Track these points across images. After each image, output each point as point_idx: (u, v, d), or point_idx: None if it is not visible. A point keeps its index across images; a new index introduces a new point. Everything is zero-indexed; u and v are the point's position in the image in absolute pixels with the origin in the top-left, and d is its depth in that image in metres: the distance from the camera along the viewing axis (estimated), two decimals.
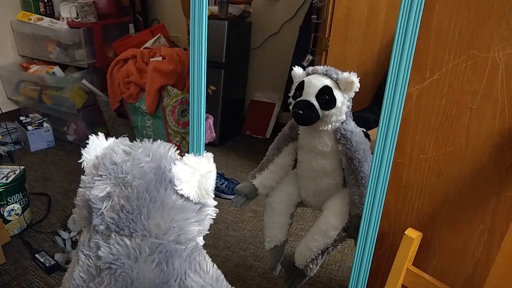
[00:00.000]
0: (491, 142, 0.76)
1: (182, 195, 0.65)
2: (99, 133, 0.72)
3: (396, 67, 0.72)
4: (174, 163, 0.66)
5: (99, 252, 0.65)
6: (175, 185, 0.65)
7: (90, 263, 0.66)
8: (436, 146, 0.82)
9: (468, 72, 0.75)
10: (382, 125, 0.75)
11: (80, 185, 0.69)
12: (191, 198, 0.66)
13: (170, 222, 0.65)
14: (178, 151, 0.72)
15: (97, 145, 0.70)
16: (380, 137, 0.76)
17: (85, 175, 0.68)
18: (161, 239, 0.65)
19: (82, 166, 0.70)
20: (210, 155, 0.70)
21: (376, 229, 0.83)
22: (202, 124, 0.88)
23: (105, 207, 0.64)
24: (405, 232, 0.84)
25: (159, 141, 0.71)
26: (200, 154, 0.88)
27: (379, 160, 0.78)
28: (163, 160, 0.67)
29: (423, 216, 0.88)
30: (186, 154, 0.69)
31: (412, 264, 0.86)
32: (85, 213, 0.67)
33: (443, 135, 0.81)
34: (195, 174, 0.66)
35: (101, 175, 0.65)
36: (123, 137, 0.73)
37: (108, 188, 0.64)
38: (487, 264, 0.80)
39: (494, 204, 0.78)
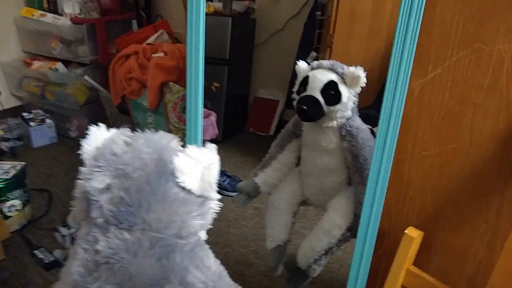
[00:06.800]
0: (496, 139, 0.74)
1: (184, 188, 0.64)
2: (99, 123, 0.70)
3: (397, 61, 0.70)
4: (176, 155, 0.65)
5: (97, 246, 0.63)
6: (177, 177, 0.63)
7: (88, 257, 0.65)
8: (439, 143, 0.81)
9: (472, 66, 0.73)
10: (383, 121, 0.74)
11: (79, 176, 0.67)
12: (193, 191, 0.64)
13: (172, 215, 0.63)
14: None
15: (98, 136, 0.69)
16: (380, 134, 0.75)
17: (84, 167, 0.67)
18: (162, 233, 0.63)
19: (82, 157, 0.68)
20: (213, 147, 0.69)
21: (376, 227, 0.81)
22: (199, 116, 0.86)
23: (104, 200, 0.62)
24: (406, 231, 0.82)
25: (161, 131, 0.70)
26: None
27: (380, 157, 0.76)
28: (164, 151, 0.65)
29: (424, 215, 0.86)
30: (188, 145, 0.67)
31: (412, 264, 0.84)
32: (83, 206, 0.66)
33: (445, 132, 0.79)
34: (198, 166, 0.64)
35: (100, 166, 0.64)
36: (124, 127, 0.71)
37: (107, 180, 0.63)
38: (490, 264, 0.79)
39: (498, 203, 0.76)
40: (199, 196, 0.65)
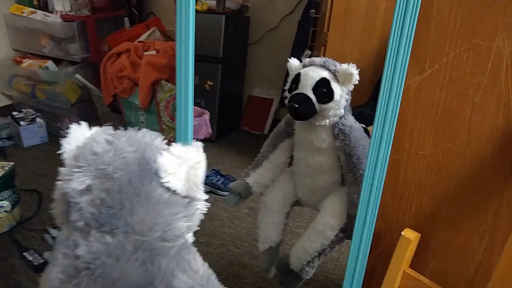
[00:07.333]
0: (494, 137, 0.72)
1: (168, 188, 0.61)
2: (81, 122, 0.68)
3: (393, 58, 0.68)
4: (160, 153, 0.62)
5: (77, 250, 0.60)
6: (161, 177, 0.60)
7: (68, 262, 0.62)
8: (436, 142, 0.79)
9: (470, 63, 0.72)
10: (378, 120, 0.72)
11: (58, 177, 0.64)
12: (178, 192, 0.61)
13: (156, 217, 0.61)
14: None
15: (79, 135, 0.66)
16: (376, 132, 0.73)
17: (64, 167, 0.64)
18: (146, 236, 0.61)
19: (62, 157, 0.65)
20: (199, 145, 0.66)
21: (371, 229, 0.79)
22: (189, 115, 0.84)
23: (84, 201, 0.59)
24: (402, 233, 0.80)
25: (144, 129, 0.67)
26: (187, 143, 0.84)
27: (375, 157, 0.74)
28: (148, 150, 0.62)
29: (421, 216, 0.85)
30: (173, 143, 0.64)
31: (409, 267, 0.83)
32: (63, 208, 0.63)
33: (443, 130, 0.78)
34: (183, 165, 0.61)
35: (80, 167, 0.61)
36: (107, 125, 0.68)
37: (87, 181, 0.60)
38: (488, 266, 0.77)
39: (497, 203, 0.75)
40: (184, 197, 0.63)
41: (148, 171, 0.60)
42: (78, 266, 0.60)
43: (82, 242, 0.60)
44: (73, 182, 0.60)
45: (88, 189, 0.60)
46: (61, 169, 0.63)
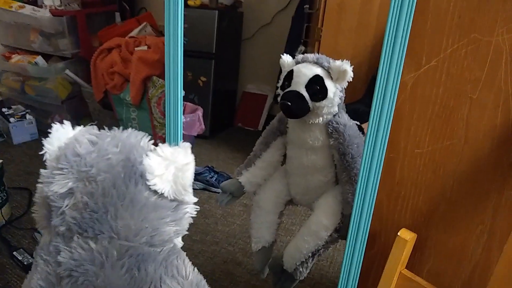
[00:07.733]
0: (493, 135, 0.71)
1: (155, 191, 0.59)
2: (64, 121, 0.65)
3: (389, 54, 0.66)
4: (146, 155, 0.60)
5: (58, 257, 0.58)
6: (147, 180, 0.58)
7: (50, 269, 0.59)
8: (432, 140, 0.78)
9: (468, 58, 0.70)
10: (373, 117, 0.70)
11: (39, 180, 0.62)
12: (165, 195, 0.59)
13: (142, 222, 0.59)
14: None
15: (62, 135, 0.63)
16: (371, 130, 0.71)
17: (45, 169, 0.61)
18: (132, 241, 0.59)
19: (44, 158, 0.62)
20: (187, 145, 0.63)
21: (367, 229, 0.78)
22: (179, 112, 0.81)
23: (67, 205, 0.57)
24: (398, 234, 0.79)
25: (130, 129, 0.64)
26: (176, 144, 0.81)
27: (370, 155, 0.73)
28: (133, 151, 0.60)
29: (417, 216, 0.83)
30: (160, 144, 0.61)
31: (405, 267, 0.81)
32: (44, 213, 0.61)
33: (440, 128, 0.76)
34: (170, 167, 0.59)
35: (62, 169, 0.58)
36: (90, 125, 0.66)
37: (70, 184, 0.57)
38: (486, 267, 0.76)
39: (495, 202, 0.73)
40: (172, 200, 0.60)
41: (133, 173, 0.58)
42: (60, 273, 0.57)
43: (64, 248, 0.58)
44: (54, 185, 0.57)
45: (70, 193, 0.57)
46: (42, 171, 0.60)
